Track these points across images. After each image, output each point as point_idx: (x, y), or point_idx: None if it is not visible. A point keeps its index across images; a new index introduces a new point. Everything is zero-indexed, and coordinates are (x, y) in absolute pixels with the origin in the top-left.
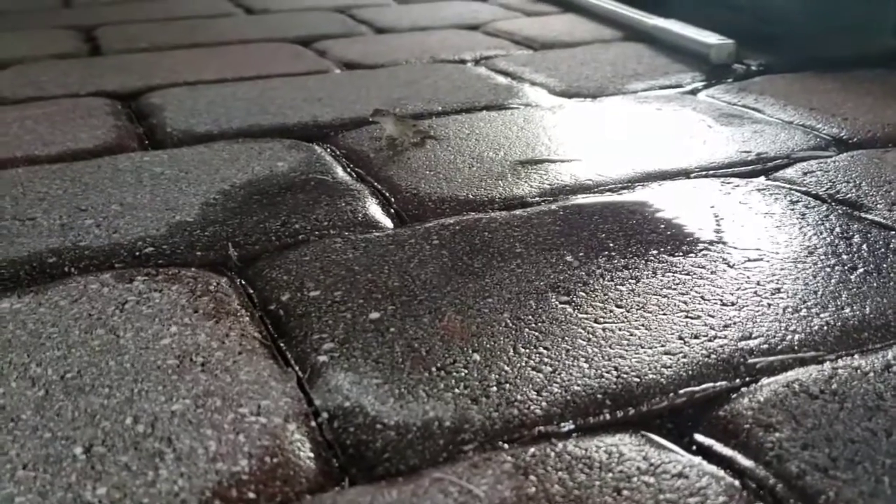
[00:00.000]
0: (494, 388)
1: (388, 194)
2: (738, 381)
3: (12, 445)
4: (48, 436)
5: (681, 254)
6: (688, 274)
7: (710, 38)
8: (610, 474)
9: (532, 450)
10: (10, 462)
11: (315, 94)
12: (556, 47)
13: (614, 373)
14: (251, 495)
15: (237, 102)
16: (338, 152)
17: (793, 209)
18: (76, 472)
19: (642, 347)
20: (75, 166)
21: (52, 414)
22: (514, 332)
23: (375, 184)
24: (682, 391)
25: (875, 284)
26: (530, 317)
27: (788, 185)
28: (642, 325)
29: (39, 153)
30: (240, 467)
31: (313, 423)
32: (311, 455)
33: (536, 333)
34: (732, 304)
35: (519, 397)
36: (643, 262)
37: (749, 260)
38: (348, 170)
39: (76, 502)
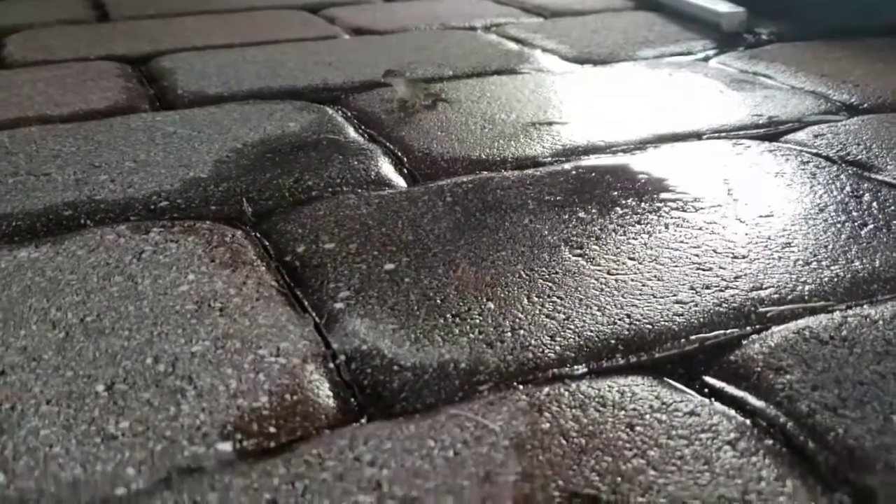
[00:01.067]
0: (509, 334)
1: (400, 154)
2: (748, 328)
3: (35, 383)
4: (70, 374)
5: (693, 210)
6: (700, 229)
7: (721, 6)
8: (623, 412)
9: (546, 389)
10: (34, 398)
11: (325, 58)
12: (566, 15)
13: (627, 320)
14: (272, 429)
15: (247, 66)
16: (349, 114)
17: (804, 169)
18: (99, 407)
19: (654, 297)
20: (88, 125)
21: (73, 354)
22: (527, 282)
23: (388, 144)
24: (693, 337)
25: (885, 240)
26: (543, 268)
27: (799, 147)
28: (654, 277)
29: (52, 113)
30: (260, 403)
31: (331, 365)
32: (330, 394)
33: (550, 284)
34: (744, 257)
35: (533, 342)
36: (656, 217)
37: (760, 216)
38: (360, 130)
39: (100, 434)
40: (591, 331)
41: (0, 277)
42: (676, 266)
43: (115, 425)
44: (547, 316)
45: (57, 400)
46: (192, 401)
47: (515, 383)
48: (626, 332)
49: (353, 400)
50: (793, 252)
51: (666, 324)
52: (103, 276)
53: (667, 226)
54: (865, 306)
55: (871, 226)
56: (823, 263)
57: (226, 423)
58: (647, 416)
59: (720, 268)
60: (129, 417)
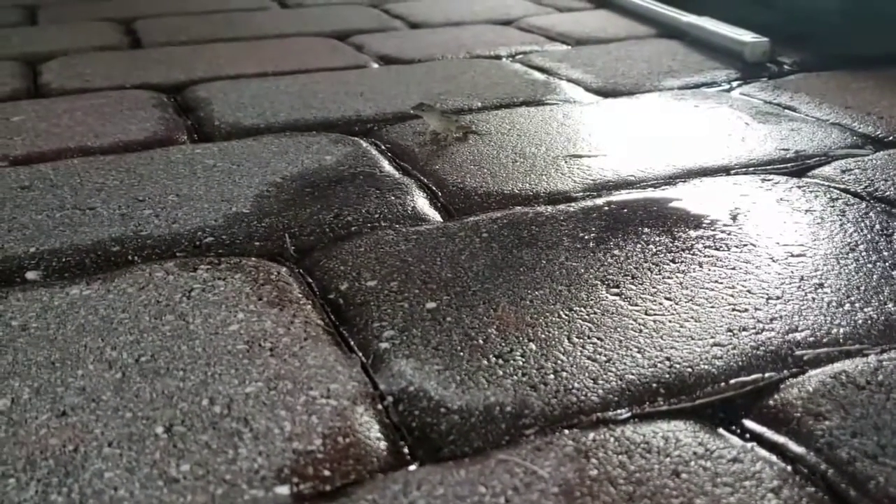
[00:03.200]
0: (552, 376)
1: (434, 188)
2: (786, 371)
3: (97, 424)
4: (129, 416)
5: (725, 248)
6: (733, 268)
7: (745, 35)
8: (668, 458)
9: (592, 434)
10: (95, 440)
11: (355, 88)
12: (590, 43)
13: (667, 363)
14: (326, 473)
15: (280, 96)
16: (382, 146)
17: (833, 206)
18: (159, 449)
19: (692, 339)
20: (128, 158)
21: (131, 395)
22: (567, 322)
23: (422, 178)
24: (732, 381)
25: None
26: (582, 308)
27: (827, 183)
28: (692, 318)
29: (92, 144)
30: (314, 446)
31: (380, 406)
32: (380, 436)
33: (589, 324)
34: (778, 298)
35: (576, 385)
36: (690, 255)
37: (792, 255)
38: (394, 164)
39: (162, 478)
40: (633, 374)
41: (55, 315)
42: (713, 307)
43: (176, 468)
44: (588, 358)
45: (119, 442)
46: (249, 443)
47: (561, 427)
48: (667, 376)
49: (402, 442)
50: (826, 293)
51: (705, 367)
52: (155, 314)
53: (701, 264)
54: None
55: None
56: (857, 305)
57: (283, 467)
58: (692, 463)
59: (756, 309)
60: (189, 460)
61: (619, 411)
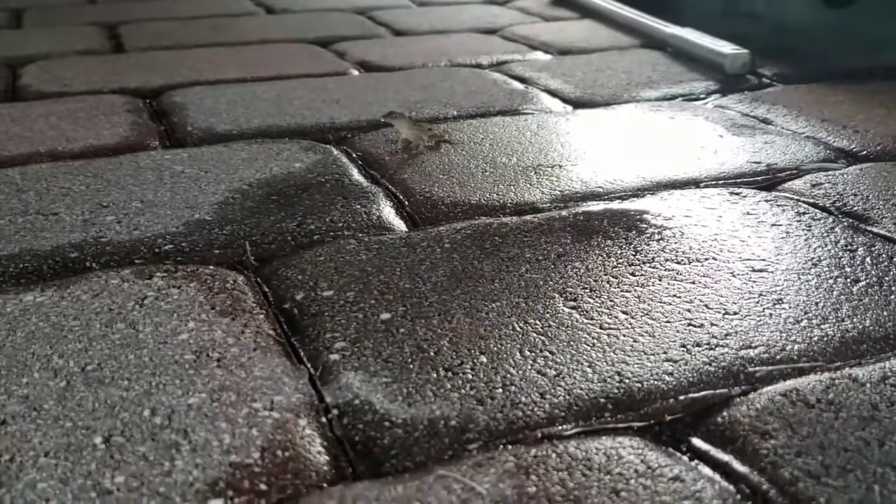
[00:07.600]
0: (500, 390)
1: (401, 197)
2: (737, 388)
3: (35, 434)
4: (69, 425)
5: (687, 262)
6: (693, 283)
7: (725, 47)
8: (608, 476)
9: (534, 450)
10: (33, 450)
11: (333, 95)
12: (572, 53)
13: (617, 378)
14: (263, 487)
15: (257, 102)
16: (354, 154)
17: (799, 221)
18: (96, 460)
19: (645, 354)
20: (97, 163)
21: (73, 404)
22: (520, 335)
23: (390, 186)
24: (682, 398)
25: (876, 297)
26: (537, 321)
27: (796, 197)
28: (646, 332)
29: (63, 149)
30: (252, 459)
31: (323, 419)
32: (321, 450)
33: (542, 338)
34: (735, 313)
35: (523, 399)
36: (650, 269)
37: (753, 270)
38: (364, 172)
39: (95, 489)
40: (581, 388)
41: (5, 322)
42: (668, 322)
43: (111, 480)
44: (538, 372)
45: (55, 452)
46: (187, 456)
47: (504, 443)
48: (616, 391)
49: (343, 456)
50: (784, 309)
51: (656, 382)
52: (106, 322)
53: (661, 278)
54: (854, 367)
55: (863, 282)
56: (814, 321)
57: (218, 480)
58: (633, 482)
59: (712, 324)
60: (124, 472)
61: (564, 427)
